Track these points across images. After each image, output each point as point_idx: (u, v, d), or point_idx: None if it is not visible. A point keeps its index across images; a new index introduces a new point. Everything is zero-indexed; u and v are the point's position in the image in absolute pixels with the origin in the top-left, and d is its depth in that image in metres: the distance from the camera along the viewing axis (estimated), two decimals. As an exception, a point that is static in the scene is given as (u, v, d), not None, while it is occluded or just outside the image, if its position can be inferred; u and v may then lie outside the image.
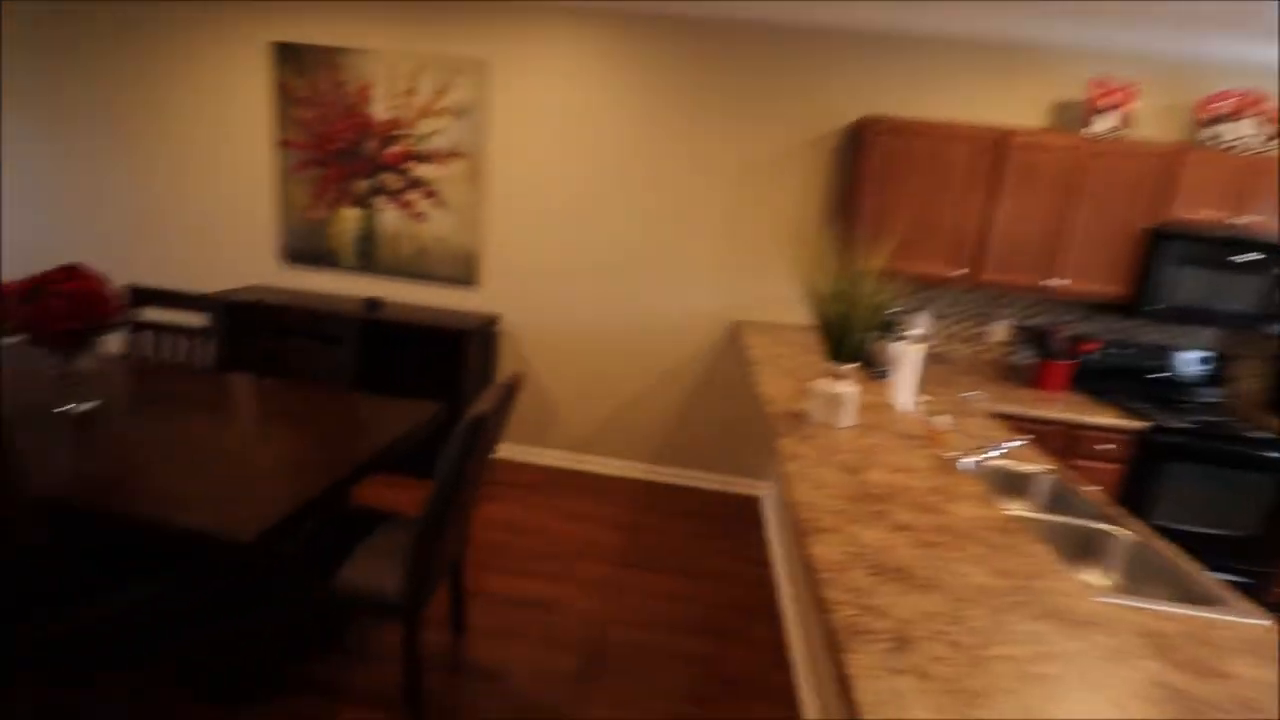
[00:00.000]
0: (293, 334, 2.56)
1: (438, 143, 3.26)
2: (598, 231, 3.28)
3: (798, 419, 1.95)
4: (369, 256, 3.41)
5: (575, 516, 3.06)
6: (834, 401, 1.87)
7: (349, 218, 3.38)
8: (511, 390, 1.85)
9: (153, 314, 2.54)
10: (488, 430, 1.71)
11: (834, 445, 1.77)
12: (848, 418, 1.90)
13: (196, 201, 3.52)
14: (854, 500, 1.44)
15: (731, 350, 3.34)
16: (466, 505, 1.91)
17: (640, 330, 3.36)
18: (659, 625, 2.37)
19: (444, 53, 3.17)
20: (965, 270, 2.80)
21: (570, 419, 3.52)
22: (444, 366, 3.10)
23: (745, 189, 3.15)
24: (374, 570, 1.73)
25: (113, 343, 2.80)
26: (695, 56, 3.04)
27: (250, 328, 2.82)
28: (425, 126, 3.25)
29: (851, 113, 3.02)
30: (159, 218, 3.57)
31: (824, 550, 1.22)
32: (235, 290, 3.31)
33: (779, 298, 3.25)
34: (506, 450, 3.62)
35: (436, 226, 3.35)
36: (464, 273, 3.39)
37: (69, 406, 1.85)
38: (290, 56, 3.24)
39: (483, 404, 1.67)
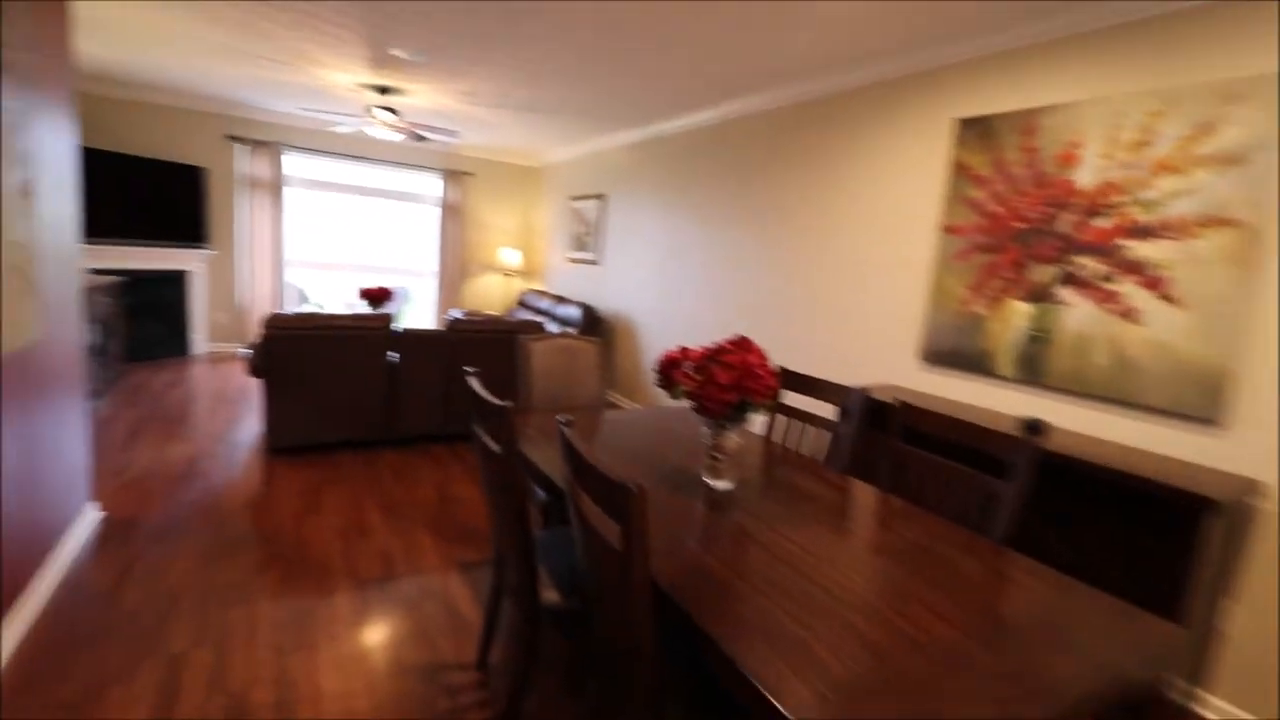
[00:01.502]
0: (935, 446, 1.99)
1: (1180, 208, 2.21)
2: None
3: None
4: (1035, 365, 2.60)
5: None
6: None
7: (1016, 314, 2.67)
8: None
9: (791, 398, 2.43)
10: None
11: None
12: None
13: (847, 288, 3.51)
14: None
15: None
16: None
17: None
18: None
19: (1206, 80, 2.15)
20: None
21: None
22: (1152, 545, 1.94)
23: None
24: None
25: (757, 422, 2.88)
26: None
27: (883, 429, 2.41)
28: (1161, 187, 2.25)
29: None
30: (808, 303, 3.73)
31: None
32: (868, 387, 3.05)
33: None
34: None
35: (1157, 329, 2.26)
36: (1200, 403, 2.15)
37: (710, 481, 1.75)
38: (974, 131, 2.84)
39: None
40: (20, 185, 1.95)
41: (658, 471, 1.84)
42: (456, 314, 7.09)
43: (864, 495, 1.85)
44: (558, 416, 1.40)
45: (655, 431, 2.26)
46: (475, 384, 1.72)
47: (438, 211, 7.25)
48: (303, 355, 3.56)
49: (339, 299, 7.42)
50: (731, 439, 1.70)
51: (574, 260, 6.73)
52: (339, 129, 5.35)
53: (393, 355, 3.89)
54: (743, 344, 1.70)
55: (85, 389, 2.67)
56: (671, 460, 1.96)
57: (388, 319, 3.77)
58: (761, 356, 1.67)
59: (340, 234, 7.11)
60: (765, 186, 4.08)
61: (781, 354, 3.93)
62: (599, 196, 6.17)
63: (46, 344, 2.23)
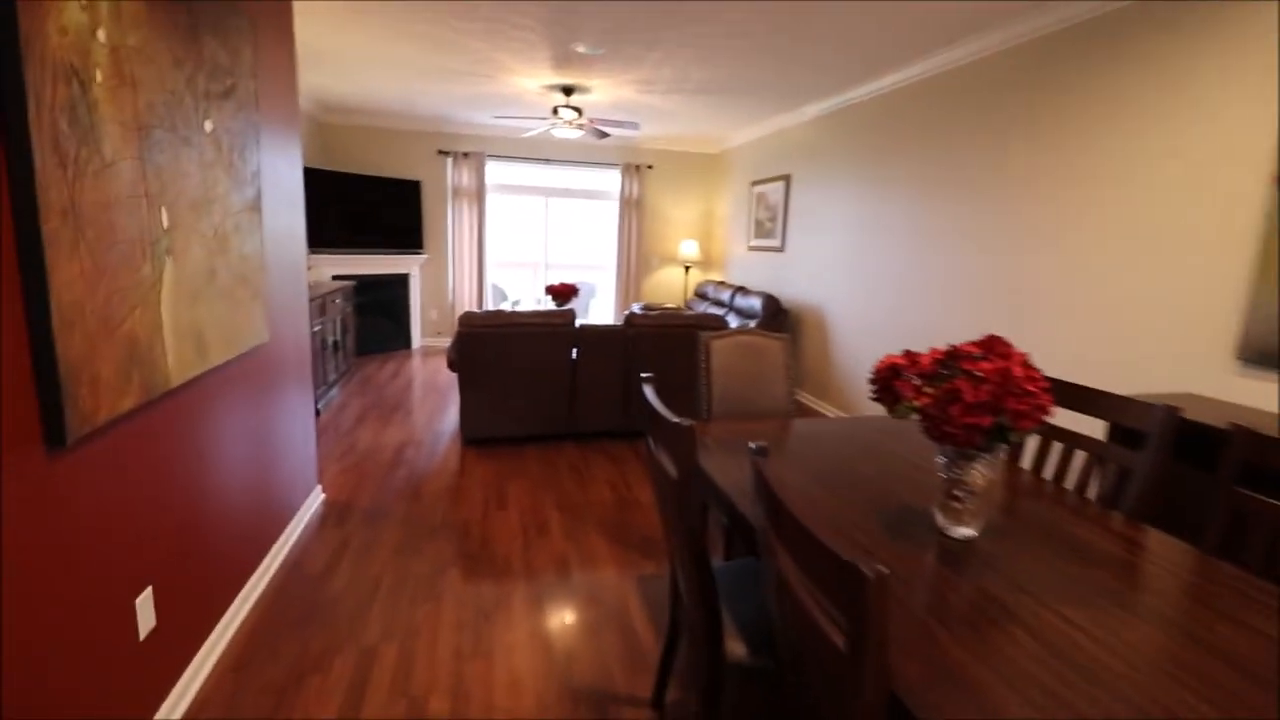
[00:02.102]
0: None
1: None
2: None
3: None
4: None
5: None
6: None
7: None
8: None
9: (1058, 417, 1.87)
10: None
11: None
12: None
13: (1117, 266, 2.73)
14: None
15: None
16: None
17: None
18: None
19: None
20: None
21: None
22: None
23: None
24: None
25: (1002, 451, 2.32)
26: None
27: (1197, 462, 1.76)
28: None
29: None
30: (1056, 289, 2.98)
31: None
32: (1160, 397, 2.30)
33: None
34: None
35: None
36: None
37: (948, 527, 1.33)
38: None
39: None
40: (249, 201, 2.14)
41: (868, 505, 1.47)
42: (635, 308, 7.12)
43: (1174, 556, 1.29)
44: (750, 445, 1.11)
45: (860, 449, 1.86)
46: (650, 395, 1.49)
47: (617, 206, 7.31)
48: (491, 352, 3.68)
49: (531, 295, 7.85)
50: (980, 474, 1.26)
51: (755, 248, 6.35)
52: (528, 134, 5.57)
53: (573, 351, 3.89)
54: (996, 346, 1.25)
55: (314, 384, 2.97)
56: (886, 491, 1.56)
57: (569, 316, 3.77)
58: (1026, 364, 1.22)
59: (530, 234, 7.50)
60: (991, 146, 3.36)
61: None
62: (783, 178, 5.72)
63: (276, 345, 2.47)
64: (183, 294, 1.67)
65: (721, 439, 1.91)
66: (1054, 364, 3.01)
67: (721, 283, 6.53)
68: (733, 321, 5.77)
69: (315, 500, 2.99)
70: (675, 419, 1.28)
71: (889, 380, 1.34)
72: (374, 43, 3.99)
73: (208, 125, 1.81)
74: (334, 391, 4.88)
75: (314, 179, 5.84)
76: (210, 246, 1.84)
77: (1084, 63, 2.86)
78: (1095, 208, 2.81)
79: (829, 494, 1.53)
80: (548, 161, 7.11)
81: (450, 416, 4.52)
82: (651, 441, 1.51)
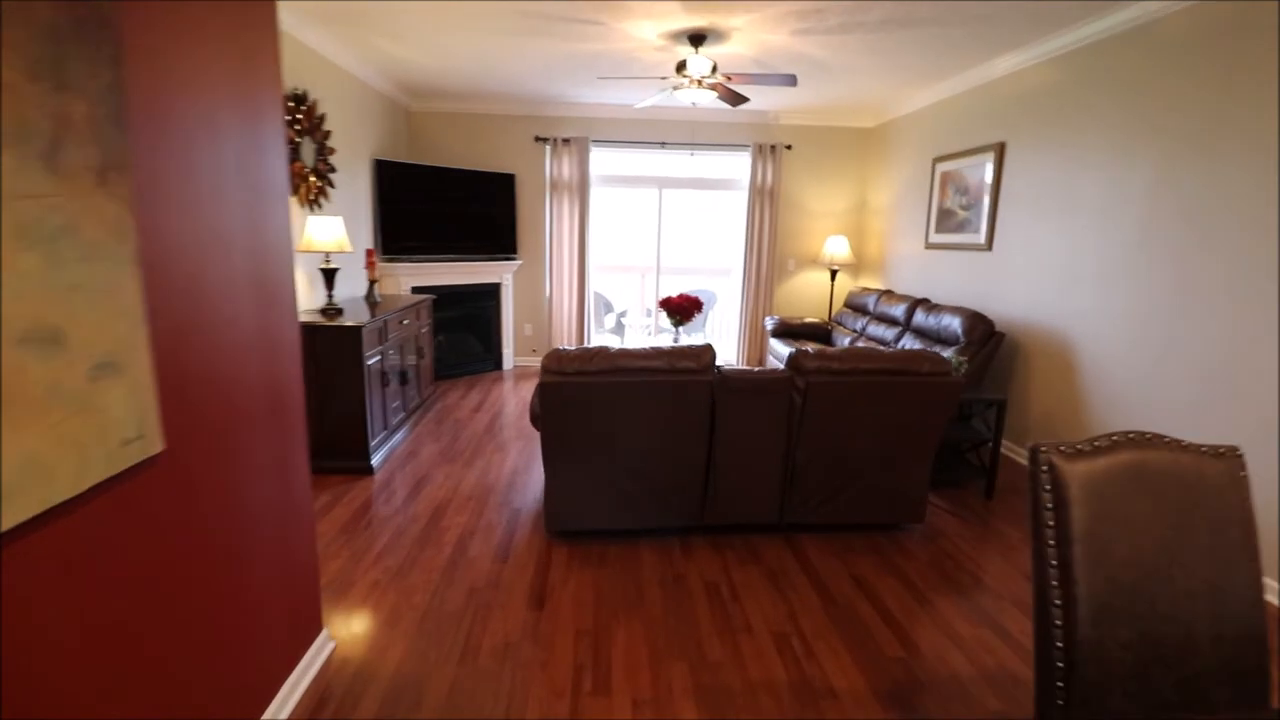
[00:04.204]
0: None
1: None
2: None
3: None
4: None
5: None
6: None
7: None
8: None
9: None
10: None
11: None
12: None
13: None
14: None
15: None
16: None
17: None
18: None
19: None
20: None
21: None
22: None
23: None
24: None
25: None
26: None
27: None
28: None
29: None
30: None
31: None
32: None
33: None
34: None
35: None
36: None
37: None
38: None
39: None
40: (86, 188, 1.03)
41: None
42: (769, 322, 5.72)
43: None
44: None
45: None
46: None
47: (746, 197, 5.94)
48: (591, 409, 2.47)
49: (640, 304, 6.67)
50: None
51: (939, 246, 4.76)
52: (642, 104, 4.37)
53: (710, 408, 2.59)
54: None
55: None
56: None
57: (706, 357, 2.48)
58: None
59: (640, 234, 6.31)
60: None
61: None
62: (991, 148, 4.10)
63: (200, 442, 1.37)
64: None
65: None
66: None
67: (888, 292, 4.99)
68: (909, 346, 4.25)
69: (317, 658, 1.91)
70: None
71: None
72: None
73: None
74: (400, 435, 3.91)
75: (390, 175, 4.95)
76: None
77: None
78: None
79: None
80: (662, 146, 5.87)
81: (535, 479, 3.38)
82: None
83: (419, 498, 3.14)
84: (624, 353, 2.48)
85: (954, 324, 3.88)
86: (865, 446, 2.64)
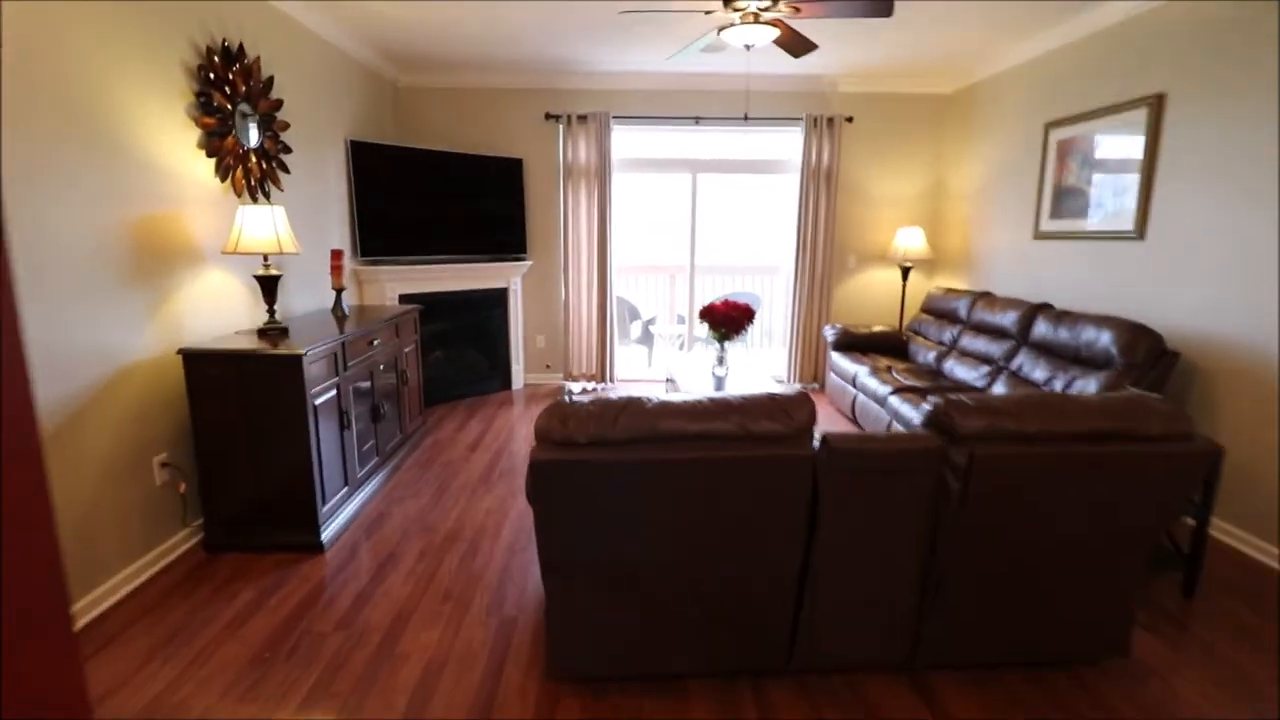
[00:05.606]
0: None
1: None
2: None
3: None
4: None
5: None
6: None
7: None
8: None
9: None
10: None
11: None
12: None
13: None
14: None
15: None
16: None
17: None
18: None
19: None
20: None
21: None
22: None
23: None
24: None
25: None
26: None
27: None
28: None
29: None
30: None
31: None
32: None
33: None
34: None
35: None
36: None
37: None
38: None
39: None
40: None
41: None
42: (828, 332, 4.73)
43: None
44: None
45: None
46: None
47: (798, 181, 4.95)
48: (612, 500, 1.55)
49: (670, 312, 5.74)
50: None
51: (1055, 235, 3.73)
52: (676, 56, 3.43)
53: (805, 495, 1.64)
54: None
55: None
56: None
57: (801, 415, 1.54)
58: None
59: (669, 227, 5.37)
60: None
61: None
62: (1142, 103, 3.08)
63: None
64: None
65: None
66: None
67: (986, 295, 3.97)
68: (1030, 368, 3.24)
69: None
70: None
71: None
72: None
73: None
74: (371, 488, 3.04)
75: (370, 160, 4.08)
76: None
77: None
78: None
79: None
80: (696, 122, 4.92)
81: (532, 582, 2.47)
82: None
83: (377, 595, 2.25)
84: (667, 408, 1.54)
85: (1102, 339, 2.87)
86: (1048, 548, 1.67)
